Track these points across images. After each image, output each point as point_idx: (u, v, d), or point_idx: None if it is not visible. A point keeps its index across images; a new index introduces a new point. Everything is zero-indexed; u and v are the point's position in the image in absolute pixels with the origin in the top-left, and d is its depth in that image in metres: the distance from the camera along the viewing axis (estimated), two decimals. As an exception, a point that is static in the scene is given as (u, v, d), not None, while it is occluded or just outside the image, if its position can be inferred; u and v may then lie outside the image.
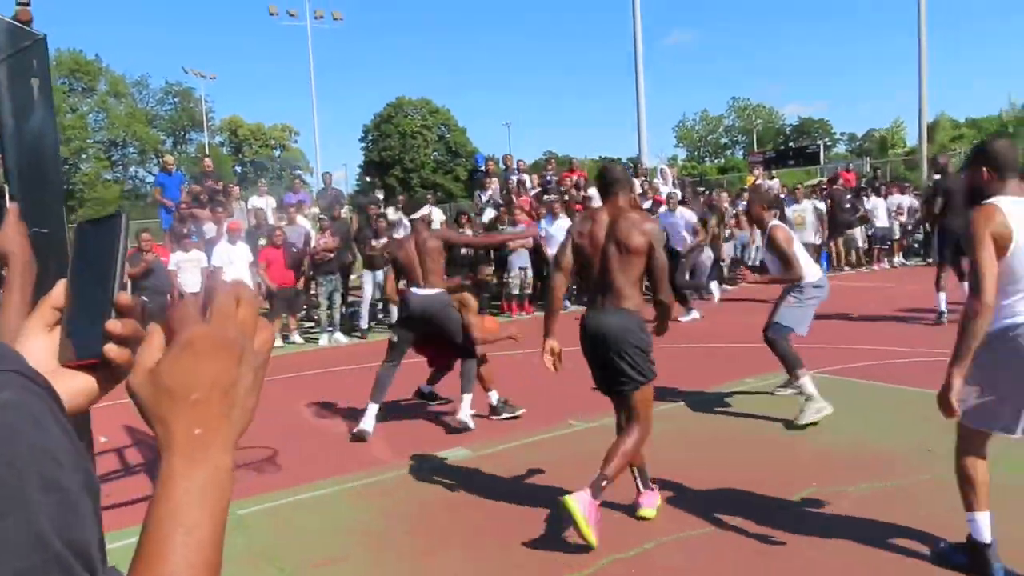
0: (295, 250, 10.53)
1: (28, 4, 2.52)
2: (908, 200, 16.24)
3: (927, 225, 15.01)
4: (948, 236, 8.38)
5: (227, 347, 0.58)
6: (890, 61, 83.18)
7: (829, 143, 53.84)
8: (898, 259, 16.16)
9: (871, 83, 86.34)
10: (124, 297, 0.64)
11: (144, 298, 9.38)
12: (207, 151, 40.78)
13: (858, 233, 15.48)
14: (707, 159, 61.11)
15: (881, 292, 11.80)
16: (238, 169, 52.84)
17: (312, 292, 11.14)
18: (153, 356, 0.59)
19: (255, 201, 12.54)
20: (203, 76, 46.45)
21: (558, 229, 10.82)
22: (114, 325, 0.63)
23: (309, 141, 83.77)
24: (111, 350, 0.63)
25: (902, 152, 42.48)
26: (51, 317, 0.68)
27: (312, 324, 11.52)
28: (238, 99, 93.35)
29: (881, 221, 15.54)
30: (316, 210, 12.63)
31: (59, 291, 0.68)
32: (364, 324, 10.79)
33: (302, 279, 10.96)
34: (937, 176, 10.10)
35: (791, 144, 50.76)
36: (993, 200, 2.87)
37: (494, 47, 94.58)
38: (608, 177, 3.88)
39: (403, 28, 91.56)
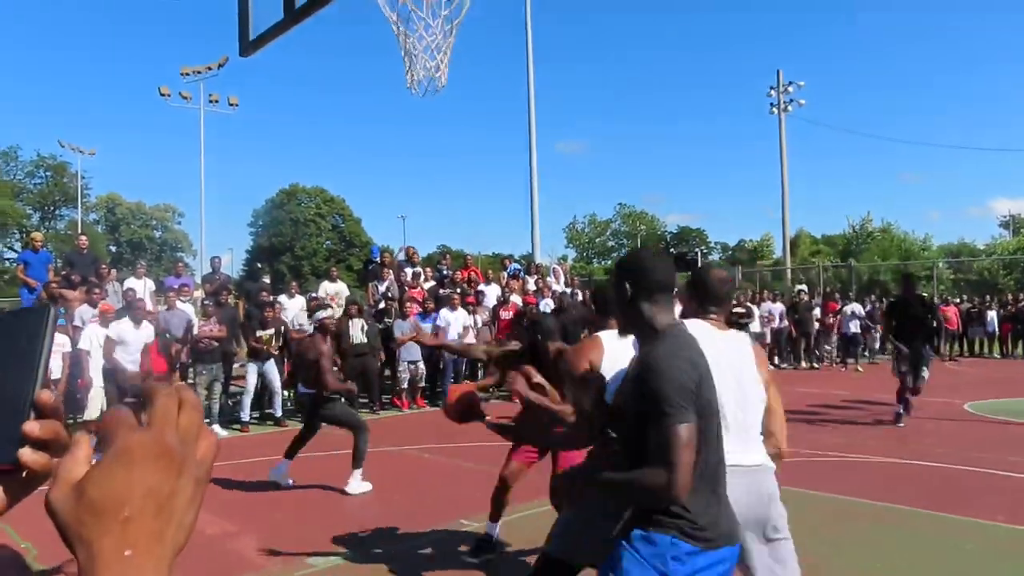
0: (169, 336, 10.00)
1: None
2: (779, 307, 17.46)
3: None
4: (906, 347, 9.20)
5: (166, 456, 0.52)
6: (760, 180, 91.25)
7: (705, 251, 57.48)
8: (770, 364, 17.22)
9: (743, 199, 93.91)
10: (46, 395, 0.57)
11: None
12: (80, 228, 38.58)
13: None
14: (595, 260, 63.66)
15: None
16: (113, 249, 50.24)
17: (190, 381, 10.53)
18: (78, 468, 0.52)
19: (132, 283, 11.89)
20: (81, 151, 44.58)
21: (455, 320, 11.80)
22: (32, 427, 0.56)
23: (193, 223, 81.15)
24: (27, 455, 0.55)
25: (770, 262, 46.03)
26: None
27: (187, 415, 10.82)
28: (118, 176, 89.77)
29: (755, 326, 16.56)
30: (200, 294, 12.12)
31: None
32: (245, 416, 10.25)
33: (178, 367, 10.37)
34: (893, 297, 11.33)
35: (672, 250, 53.80)
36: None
37: (391, 140, 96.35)
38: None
39: (299, 116, 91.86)
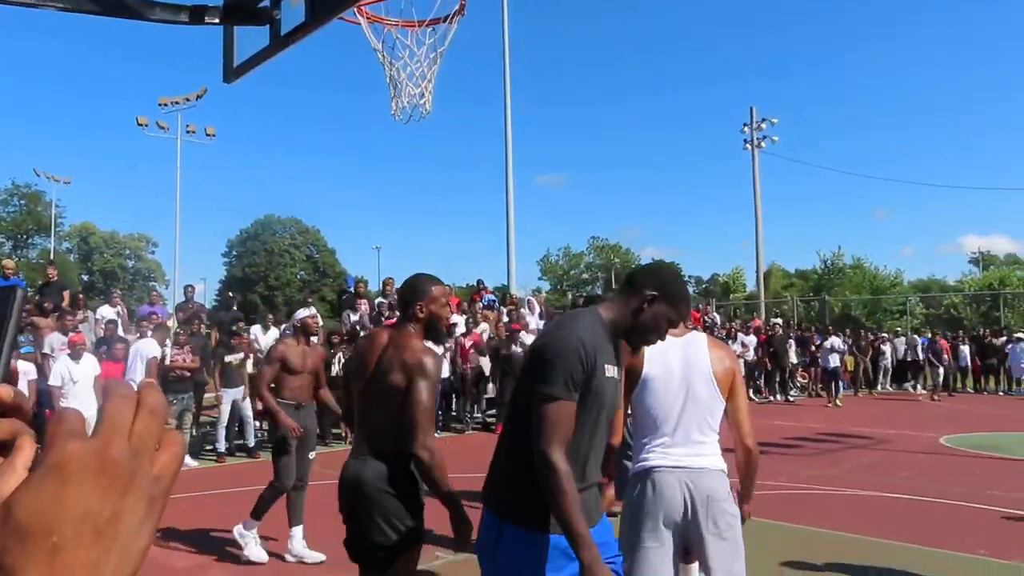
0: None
1: None
2: (752, 339, 17.61)
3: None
4: None
5: (109, 470, 0.44)
6: (734, 215, 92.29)
7: (680, 284, 57.84)
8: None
9: (717, 234, 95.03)
10: (5, 390, 0.48)
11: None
12: (52, 257, 38.00)
13: None
14: (569, 292, 63.89)
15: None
16: (86, 278, 49.47)
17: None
18: (11, 480, 0.44)
19: (105, 312, 11.71)
20: (56, 180, 44.11)
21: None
22: None
23: (167, 253, 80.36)
24: None
25: (742, 296, 46.61)
26: None
27: (156, 447, 10.61)
28: (93, 205, 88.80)
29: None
30: (173, 323, 11.96)
31: None
32: (222, 447, 10.06)
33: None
34: None
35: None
36: None
37: (367, 172, 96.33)
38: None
39: (276, 147, 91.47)
